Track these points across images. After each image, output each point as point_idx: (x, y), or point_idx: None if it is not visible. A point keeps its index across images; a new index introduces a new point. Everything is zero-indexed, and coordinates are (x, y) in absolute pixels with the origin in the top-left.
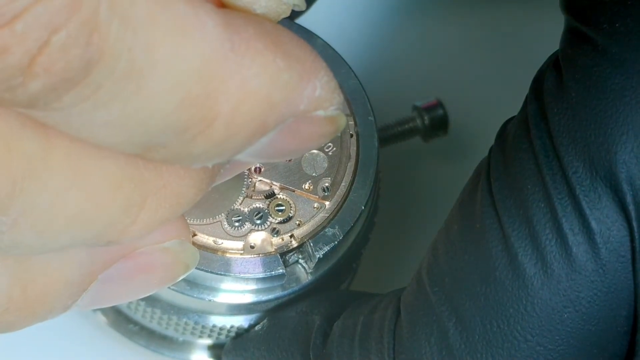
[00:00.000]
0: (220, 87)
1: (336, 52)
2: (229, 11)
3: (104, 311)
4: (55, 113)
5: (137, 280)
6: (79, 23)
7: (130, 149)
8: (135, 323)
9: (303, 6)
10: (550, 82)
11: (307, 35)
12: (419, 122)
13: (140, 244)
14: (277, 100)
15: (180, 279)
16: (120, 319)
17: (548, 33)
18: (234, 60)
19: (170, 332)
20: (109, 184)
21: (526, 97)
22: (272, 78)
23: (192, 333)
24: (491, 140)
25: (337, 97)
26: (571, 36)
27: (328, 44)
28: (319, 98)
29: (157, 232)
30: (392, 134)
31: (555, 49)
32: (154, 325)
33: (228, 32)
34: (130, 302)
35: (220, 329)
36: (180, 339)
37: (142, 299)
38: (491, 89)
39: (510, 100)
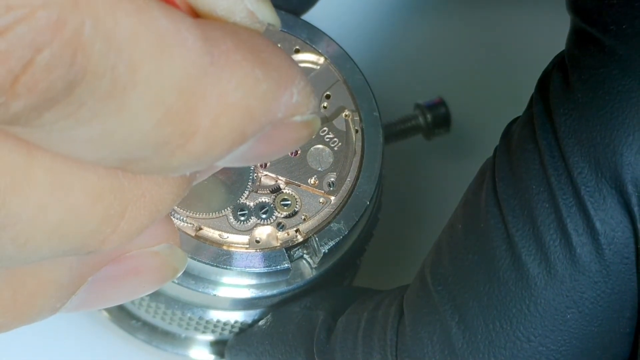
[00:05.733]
0: (200, 102)
1: (341, 47)
2: (207, 22)
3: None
4: (35, 129)
5: (126, 283)
6: (63, 43)
7: (110, 163)
8: (138, 319)
9: (278, 25)
10: (556, 82)
11: (313, 32)
12: (421, 120)
13: (130, 248)
14: (255, 110)
15: (168, 282)
16: (123, 315)
17: (550, 33)
18: (214, 74)
19: (173, 328)
20: (89, 196)
21: (531, 97)
22: (251, 89)
23: (195, 328)
24: (493, 139)
25: (313, 102)
26: (577, 37)
27: (333, 40)
28: (295, 104)
29: (146, 236)
30: (394, 131)
31: (558, 49)
32: (157, 320)
33: (207, 46)
34: None
35: (224, 324)
36: (183, 335)
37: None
38: (493, 87)
39: (513, 99)
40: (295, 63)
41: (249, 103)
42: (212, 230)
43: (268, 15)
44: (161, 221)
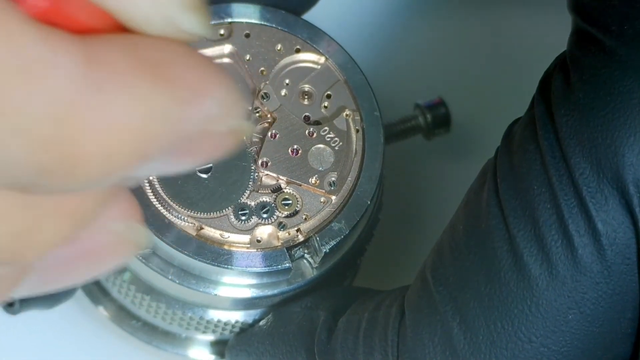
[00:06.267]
0: (81, 128)
1: (342, 47)
2: (100, 41)
3: (106, 306)
4: None
5: (82, 264)
6: None
7: (2, 186)
8: (138, 319)
9: (209, 36)
10: (558, 83)
11: (313, 31)
12: (421, 120)
13: (82, 231)
14: (154, 130)
15: (131, 257)
16: (123, 315)
17: (552, 33)
18: (98, 98)
19: (173, 328)
20: None
21: (533, 98)
22: (145, 111)
23: (196, 328)
24: (493, 139)
25: (236, 111)
26: (579, 37)
27: (333, 39)
28: (211, 117)
29: (103, 217)
30: (394, 131)
31: (560, 49)
32: (157, 320)
33: (90, 69)
34: (135, 297)
35: (225, 324)
36: (183, 335)
37: (147, 294)
38: (494, 87)
39: (513, 100)
40: (217, 72)
41: (144, 124)
42: (213, 230)
43: (195, 25)
44: (120, 200)
